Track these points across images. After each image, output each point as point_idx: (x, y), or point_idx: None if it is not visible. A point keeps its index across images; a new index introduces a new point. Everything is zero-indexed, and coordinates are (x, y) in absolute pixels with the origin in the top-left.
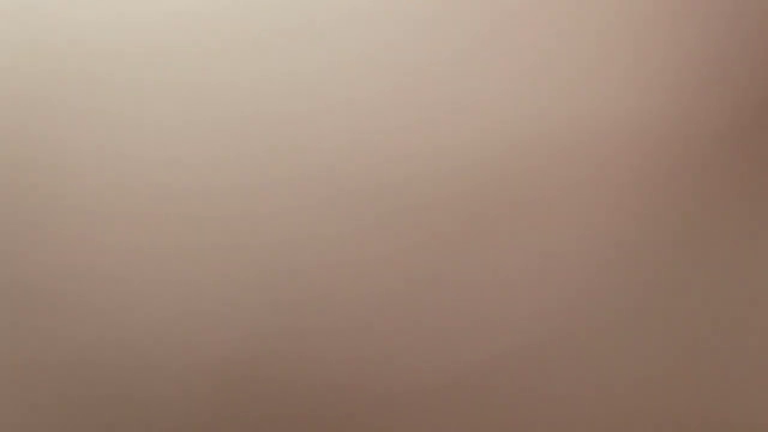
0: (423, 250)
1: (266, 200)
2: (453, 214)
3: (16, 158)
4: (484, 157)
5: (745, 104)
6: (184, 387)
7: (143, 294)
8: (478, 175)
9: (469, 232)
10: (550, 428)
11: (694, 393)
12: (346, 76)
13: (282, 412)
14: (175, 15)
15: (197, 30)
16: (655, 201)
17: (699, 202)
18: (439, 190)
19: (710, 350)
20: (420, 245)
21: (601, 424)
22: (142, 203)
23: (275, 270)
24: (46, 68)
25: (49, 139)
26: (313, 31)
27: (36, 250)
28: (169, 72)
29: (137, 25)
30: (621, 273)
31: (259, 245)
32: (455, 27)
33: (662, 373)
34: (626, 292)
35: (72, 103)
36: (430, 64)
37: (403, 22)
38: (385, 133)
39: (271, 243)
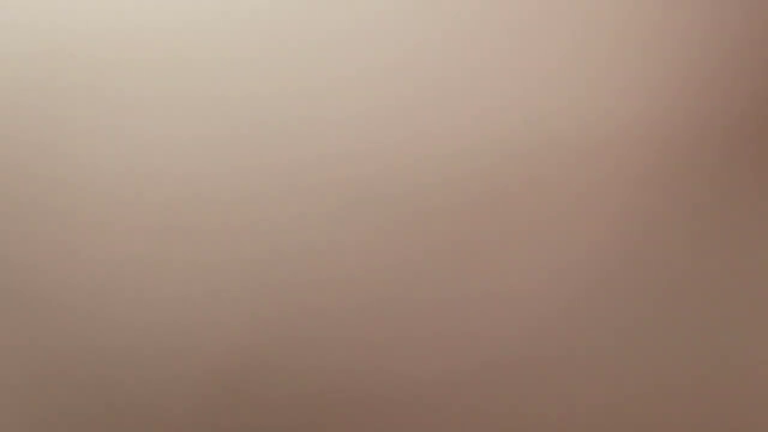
0: (424, 257)
1: (264, 209)
2: (456, 220)
3: (18, 166)
4: (488, 164)
5: (751, 107)
6: (180, 393)
7: (141, 301)
8: (483, 180)
9: (474, 238)
10: None
11: (696, 394)
12: (350, 84)
13: (279, 418)
14: (182, 24)
15: (204, 39)
16: (661, 203)
17: (705, 205)
18: (442, 197)
19: (713, 354)
20: (421, 252)
21: (603, 429)
22: (142, 210)
23: (273, 278)
24: (49, 77)
25: (51, 147)
26: (320, 41)
27: (37, 255)
28: (173, 81)
29: (143, 35)
30: (626, 276)
31: (258, 253)
32: (463, 34)
33: (666, 376)
34: (631, 295)
35: (74, 111)
36: (437, 70)
37: (413, 30)
38: (390, 140)
39: (270, 251)
